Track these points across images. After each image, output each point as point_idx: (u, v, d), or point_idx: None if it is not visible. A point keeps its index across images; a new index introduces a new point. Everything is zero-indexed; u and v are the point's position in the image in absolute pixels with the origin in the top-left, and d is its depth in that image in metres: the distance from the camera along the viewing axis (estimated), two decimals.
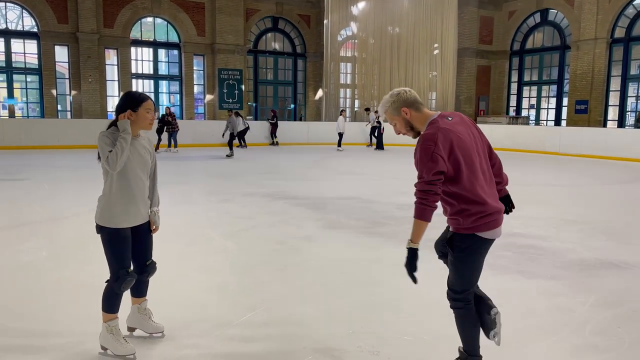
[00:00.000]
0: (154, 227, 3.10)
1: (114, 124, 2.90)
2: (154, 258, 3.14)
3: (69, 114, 20.05)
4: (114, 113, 2.93)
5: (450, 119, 2.52)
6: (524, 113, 24.10)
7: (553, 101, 23.12)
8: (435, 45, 24.05)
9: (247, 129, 17.80)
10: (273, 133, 20.11)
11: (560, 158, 16.97)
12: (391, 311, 3.71)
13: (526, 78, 24.13)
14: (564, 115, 21.67)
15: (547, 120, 23.35)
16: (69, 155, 14.90)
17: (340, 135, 18.76)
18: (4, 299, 3.85)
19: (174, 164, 13.45)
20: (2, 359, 2.91)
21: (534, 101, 23.99)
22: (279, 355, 3.03)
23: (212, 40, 21.38)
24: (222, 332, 3.32)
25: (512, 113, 24.19)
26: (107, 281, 2.92)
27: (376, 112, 18.91)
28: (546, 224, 6.72)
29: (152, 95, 21.79)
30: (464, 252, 2.54)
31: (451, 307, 2.65)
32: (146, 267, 3.06)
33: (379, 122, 19.17)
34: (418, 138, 2.53)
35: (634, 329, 3.46)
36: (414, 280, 2.47)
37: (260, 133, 20.13)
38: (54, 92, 19.43)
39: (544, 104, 23.70)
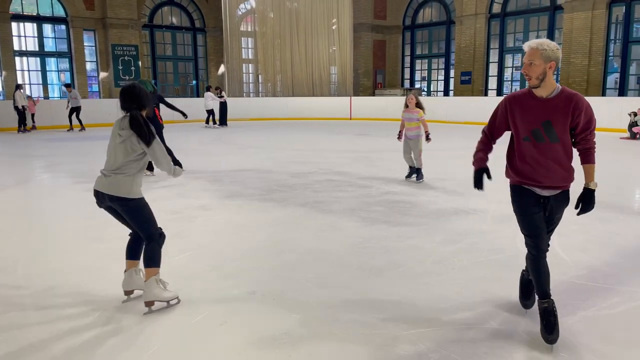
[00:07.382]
0: None
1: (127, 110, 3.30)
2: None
3: None
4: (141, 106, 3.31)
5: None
6: (417, 85, 25.70)
7: (442, 73, 24.87)
8: (334, 20, 24.76)
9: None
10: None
11: (447, 126, 18.50)
12: (262, 254, 4.29)
13: (418, 52, 25.65)
14: (452, 86, 23.46)
15: (437, 91, 25.11)
16: None
17: (209, 112, 18.43)
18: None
19: (77, 144, 13.03)
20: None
21: (425, 73, 25.64)
22: None
23: (103, 15, 20.46)
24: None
25: (407, 85, 25.68)
26: (147, 244, 3.36)
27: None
28: (417, 182, 7.63)
29: (39, 74, 20.58)
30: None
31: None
32: None
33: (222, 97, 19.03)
34: (582, 99, 2.80)
35: (465, 258, 4.31)
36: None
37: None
38: None
39: (434, 76, 25.41)
